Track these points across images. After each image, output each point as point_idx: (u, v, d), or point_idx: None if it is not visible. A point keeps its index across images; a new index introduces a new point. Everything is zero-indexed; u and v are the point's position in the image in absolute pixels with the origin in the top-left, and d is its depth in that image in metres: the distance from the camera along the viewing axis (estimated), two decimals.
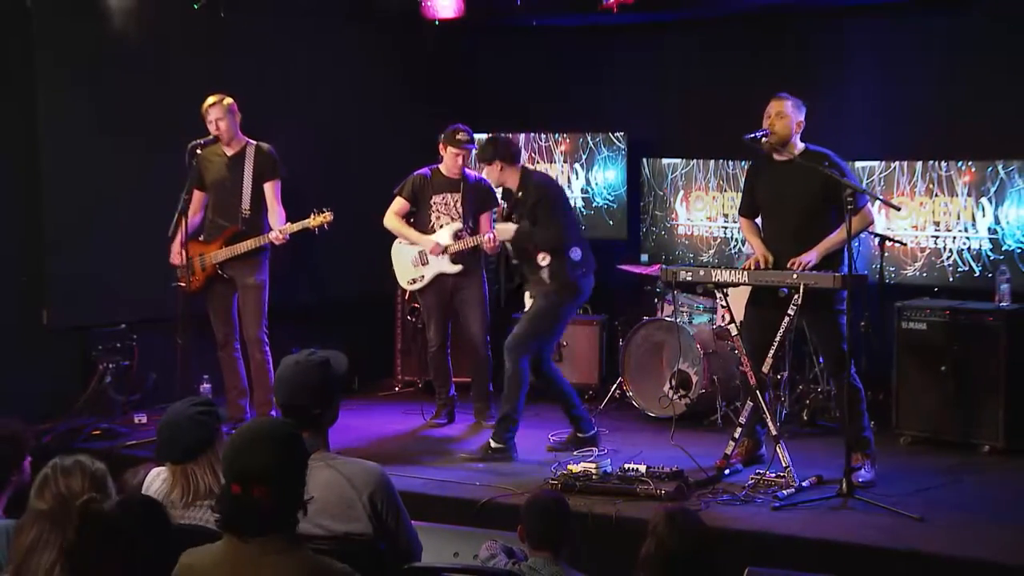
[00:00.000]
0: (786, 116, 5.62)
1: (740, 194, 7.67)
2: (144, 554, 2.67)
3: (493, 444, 6.12)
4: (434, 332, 6.90)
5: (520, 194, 6.24)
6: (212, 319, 6.71)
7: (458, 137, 6.69)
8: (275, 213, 6.56)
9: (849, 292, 5.28)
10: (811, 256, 5.50)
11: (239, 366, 6.73)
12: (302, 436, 2.87)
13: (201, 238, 6.65)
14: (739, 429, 5.69)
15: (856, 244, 5.71)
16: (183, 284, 6.45)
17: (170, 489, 3.44)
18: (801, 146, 5.69)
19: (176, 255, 6.52)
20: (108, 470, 3.01)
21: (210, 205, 6.67)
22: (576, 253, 6.18)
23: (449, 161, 6.74)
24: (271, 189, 6.58)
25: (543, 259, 6.20)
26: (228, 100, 6.51)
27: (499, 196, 6.83)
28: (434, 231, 6.79)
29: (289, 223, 6.52)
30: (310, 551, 2.77)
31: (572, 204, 6.36)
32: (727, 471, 5.61)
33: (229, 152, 6.59)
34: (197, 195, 6.60)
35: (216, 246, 6.56)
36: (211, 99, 6.49)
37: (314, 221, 6.48)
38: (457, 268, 6.75)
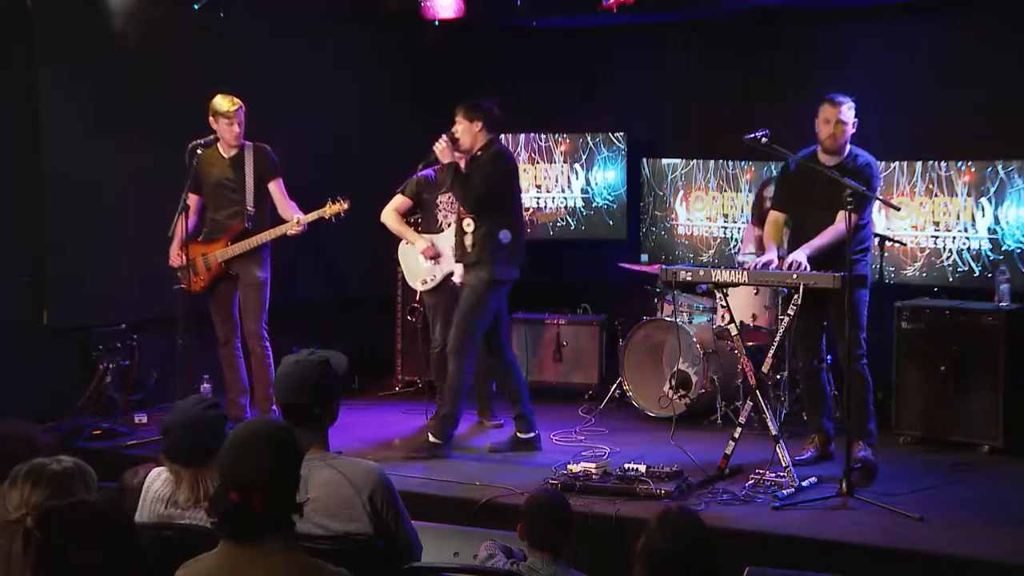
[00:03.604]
0: (844, 122, 5.67)
1: (740, 194, 7.73)
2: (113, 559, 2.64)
3: (431, 438, 6.22)
4: (439, 332, 6.85)
5: (479, 154, 6.19)
6: (214, 317, 6.72)
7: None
8: (287, 208, 6.60)
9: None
10: (798, 256, 5.51)
11: (240, 364, 6.74)
12: (295, 435, 2.85)
13: (200, 239, 6.66)
14: (739, 429, 5.68)
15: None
16: (184, 286, 6.47)
17: (175, 489, 3.43)
18: (848, 149, 5.74)
19: (175, 257, 6.54)
20: (92, 467, 2.98)
21: (210, 206, 6.68)
22: (505, 235, 6.12)
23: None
24: (277, 187, 6.63)
25: (468, 224, 6.20)
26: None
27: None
28: (442, 230, 6.79)
29: (298, 216, 6.54)
30: (306, 553, 2.75)
31: (519, 191, 6.27)
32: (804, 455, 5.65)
33: (229, 153, 6.60)
34: (192, 198, 6.61)
35: (221, 244, 6.57)
36: (235, 102, 6.50)
37: (330, 210, 6.49)
38: None
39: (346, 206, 6.49)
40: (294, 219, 6.51)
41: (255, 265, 6.61)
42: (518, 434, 6.33)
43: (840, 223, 5.46)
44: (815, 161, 5.78)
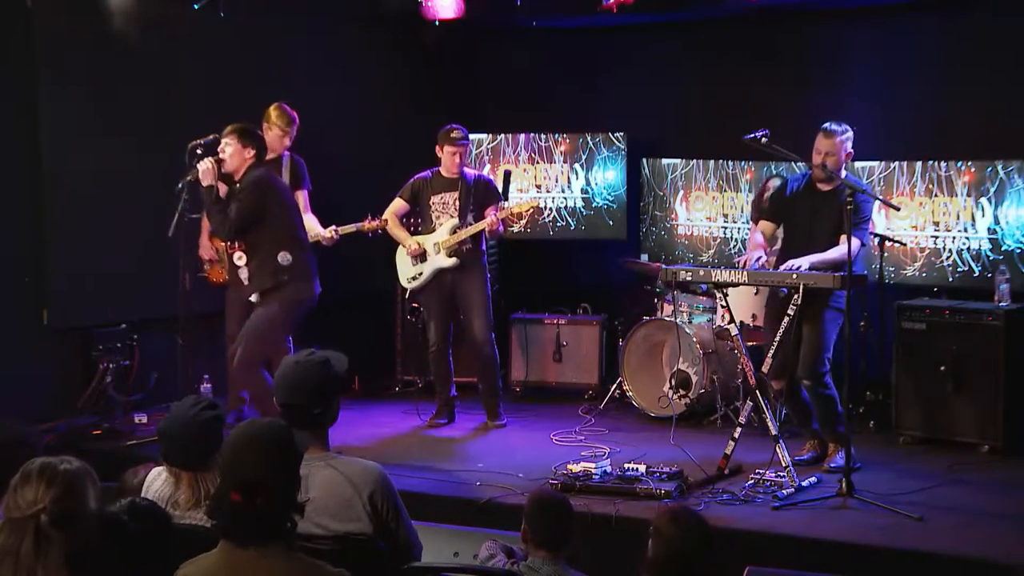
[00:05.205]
0: (836, 153, 5.67)
1: (740, 194, 7.72)
2: (146, 560, 2.67)
3: None
4: (434, 332, 6.87)
5: (238, 183, 6.14)
6: (227, 313, 6.69)
7: (452, 135, 6.69)
8: (306, 220, 6.63)
9: (847, 320, 5.32)
10: (801, 262, 5.51)
11: None
12: (294, 436, 2.85)
13: None
14: (739, 429, 5.68)
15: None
16: (209, 276, 6.71)
17: (175, 491, 3.43)
18: (843, 175, 5.75)
19: (205, 249, 6.74)
20: (92, 467, 2.99)
21: None
22: (284, 257, 6.06)
23: (447, 160, 6.74)
24: (303, 198, 6.71)
25: (239, 258, 6.18)
26: None
27: (499, 191, 6.92)
28: (434, 230, 6.80)
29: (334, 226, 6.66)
30: (305, 555, 2.76)
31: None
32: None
33: (267, 157, 6.61)
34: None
35: None
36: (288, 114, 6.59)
37: (368, 225, 6.61)
38: (452, 262, 6.73)
39: (384, 224, 6.66)
40: (329, 229, 6.60)
41: None
42: None
43: (845, 246, 5.40)
44: (810, 188, 5.82)
